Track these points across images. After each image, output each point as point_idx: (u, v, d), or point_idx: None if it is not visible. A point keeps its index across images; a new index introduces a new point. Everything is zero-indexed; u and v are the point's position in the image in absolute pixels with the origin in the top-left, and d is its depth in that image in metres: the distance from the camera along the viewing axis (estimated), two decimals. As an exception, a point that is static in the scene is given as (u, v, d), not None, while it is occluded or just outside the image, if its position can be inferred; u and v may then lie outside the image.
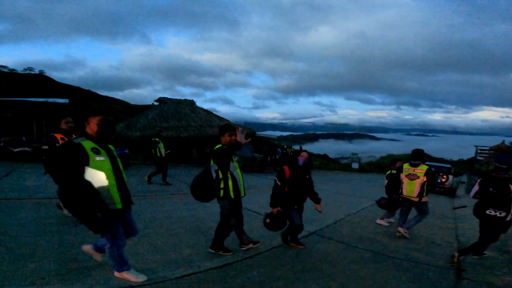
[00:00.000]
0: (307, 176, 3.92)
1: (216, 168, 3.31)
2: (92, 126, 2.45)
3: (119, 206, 2.43)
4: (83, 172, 2.26)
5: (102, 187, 2.34)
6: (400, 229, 4.94)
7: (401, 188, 4.90)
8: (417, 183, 4.68)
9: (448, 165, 14.85)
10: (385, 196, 5.91)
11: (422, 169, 4.70)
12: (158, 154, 8.11)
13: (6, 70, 30.78)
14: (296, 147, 21.59)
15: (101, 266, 2.84)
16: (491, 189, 3.57)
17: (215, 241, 3.53)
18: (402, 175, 4.87)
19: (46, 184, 6.31)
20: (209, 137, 14.87)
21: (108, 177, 2.36)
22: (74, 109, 16.28)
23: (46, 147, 4.11)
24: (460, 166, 18.58)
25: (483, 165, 18.76)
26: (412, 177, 4.75)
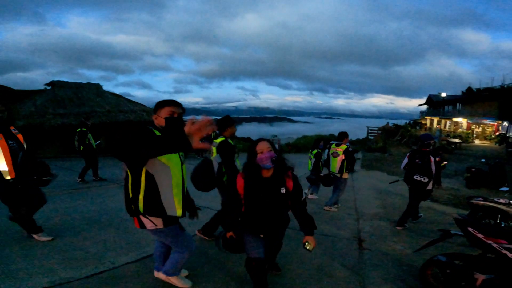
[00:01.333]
0: (282, 189, 2.21)
1: (220, 160, 3.22)
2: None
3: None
4: None
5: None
6: (326, 207, 5.59)
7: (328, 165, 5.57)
8: (338, 160, 5.35)
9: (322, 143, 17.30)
10: (313, 173, 6.50)
11: (342, 148, 5.38)
12: (83, 147, 6.65)
13: None
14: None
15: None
16: (417, 160, 4.42)
17: (209, 227, 3.54)
18: (329, 153, 5.53)
19: None
20: (120, 123, 13.29)
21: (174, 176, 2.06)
22: None
23: None
24: (357, 145, 22.02)
25: (373, 143, 22.52)
26: (335, 155, 5.43)
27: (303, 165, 7.98)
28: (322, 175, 5.98)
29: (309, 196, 6.52)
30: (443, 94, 34.54)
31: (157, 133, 1.81)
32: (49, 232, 3.36)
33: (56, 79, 14.00)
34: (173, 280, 2.44)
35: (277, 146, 27.47)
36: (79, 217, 4.14)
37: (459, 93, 33.32)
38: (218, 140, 3.30)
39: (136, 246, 3.24)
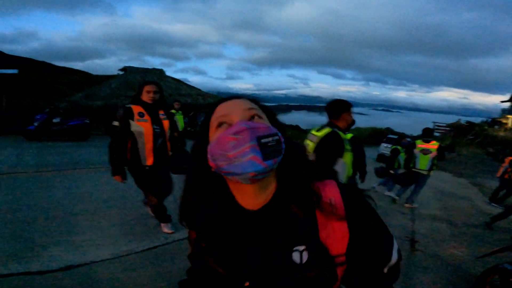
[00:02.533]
0: (302, 251, 0.56)
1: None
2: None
3: None
4: None
5: None
6: (406, 205, 5.35)
7: (414, 163, 5.28)
8: (430, 157, 5.14)
9: (409, 139, 15.86)
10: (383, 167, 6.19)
11: (434, 145, 5.17)
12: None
13: None
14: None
15: (58, 244, 2.71)
16: None
17: None
18: (416, 150, 5.27)
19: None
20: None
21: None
22: (24, 78, 14.64)
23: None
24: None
25: (439, 140, 20.13)
26: (425, 152, 5.19)
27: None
28: (400, 172, 5.79)
29: (387, 193, 5.99)
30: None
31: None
32: (121, 205, 3.84)
33: (126, 65, 15.66)
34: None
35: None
36: (139, 192, 4.63)
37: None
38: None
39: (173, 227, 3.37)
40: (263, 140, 0.51)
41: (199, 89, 17.27)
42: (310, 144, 2.38)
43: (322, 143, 2.24)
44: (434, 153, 5.13)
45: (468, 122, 26.16)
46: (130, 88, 14.25)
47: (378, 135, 18.32)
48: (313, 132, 2.41)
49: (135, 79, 14.96)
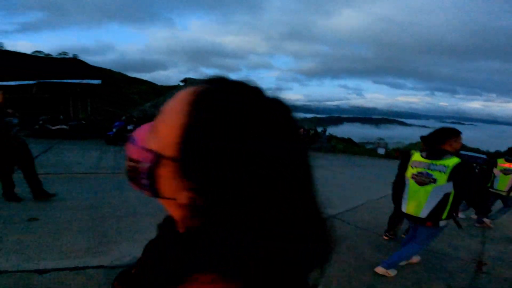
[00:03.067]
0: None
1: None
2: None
3: None
4: None
5: None
6: (486, 220, 4.94)
7: (492, 182, 4.90)
8: (511, 178, 4.75)
9: (484, 156, 13.87)
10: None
11: None
12: None
13: (41, 55, 32.81)
14: (320, 129, 21.19)
15: (127, 241, 3.03)
16: None
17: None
18: (496, 170, 4.89)
19: (80, 160, 6.79)
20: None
21: None
22: (106, 89, 17.02)
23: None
24: (496, 158, 17.24)
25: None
26: (507, 172, 4.81)
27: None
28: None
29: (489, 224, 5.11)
30: None
31: None
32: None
33: (185, 76, 17.20)
34: (390, 272, 2.79)
35: (382, 150, 24.83)
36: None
37: None
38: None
39: None
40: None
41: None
42: (438, 174, 2.41)
43: (456, 171, 2.34)
44: None
45: None
46: (190, 99, 15.57)
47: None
48: (443, 162, 2.42)
49: (194, 91, 16.34)
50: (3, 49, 31.31)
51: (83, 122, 11.35)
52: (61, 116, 11.40)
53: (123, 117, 10.61)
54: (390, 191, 3.18)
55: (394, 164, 2.11)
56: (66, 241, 2.85)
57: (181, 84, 17.21)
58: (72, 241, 2.87)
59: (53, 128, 10.53)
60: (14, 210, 3.47)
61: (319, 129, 19.91)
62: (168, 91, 16.78)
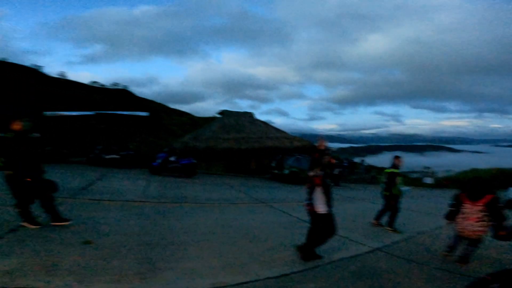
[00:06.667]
0: None
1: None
2: None
3: None
4: None
5: None
6: None
7: None
8: None
9: None
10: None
11: None
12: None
13: (98, 86, 37.69)
14: (358, 160, 20.39)
15: (171, 269, 3.15)
16: None
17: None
18: None
19: (130, 188, 7.36)
20: (267, 149, 15.21)
21: None
22: (152, 120, 18.54)
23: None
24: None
25: None
26: None
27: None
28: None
29: None
30: None
31: None
32: (216, 239, 4.29)
33: (220, 107, 18.24)
34: None
35: (429, 179, 22.80)
36: (236, 228, 5.04)
37: None
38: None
39: (266, 265, 3.55)
40: None
41: (285, 132, 18.06)
42: None
43: None
44: None
45: None
46: (226, 131, 16.19)
47: (505, 177, 15.47)
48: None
49: (230, 122, 16.95)
50: (67, 78, 36.25)
51: (132, 152, 12.40)
52: (113, 146, 12.59)
53: (166, 149, 11.42)
54: (439, 223, 3.00)
55: (445, 193, 2.02)
56: (117, 265, 3.04)
57: (218, 115, 18.09)
58: (122, 266, 3.05)
59: (107, 157, 11.64)
60: (70, 233, 3.79)
61: (357, 160, 19.19)
62: (206, 122, 17.75)
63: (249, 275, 3.22)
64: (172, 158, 10.86)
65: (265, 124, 18.29)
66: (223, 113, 17.60)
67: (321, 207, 3.56)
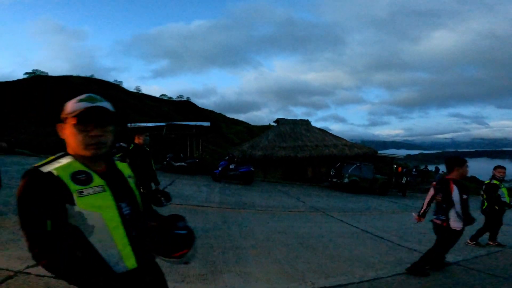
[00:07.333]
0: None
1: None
2: None
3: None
4: None
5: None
6: None
7: None
8: None
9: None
10: None
11: None
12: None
13: (166, 98, 43.52)
14: (431, 168, 18.25)
15: (230, 272, 3.32)
16: None
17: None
18: None
19: (195, 193, 8.07)
20: (325, 157, 14.83)
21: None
22: (213, 130, 19.94)
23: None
24: None
25: None
26: None
27: None
28: None
29: None
30: None
31: None
32: (273, 246, 4.43)
33: (275, 116, 18.55)
34: None
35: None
36: (293, 235, 5.10)
37: None
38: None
39: (322, 274, 3.48)
40: None
41: (344, 139, 17.34)
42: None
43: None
44: None
45: None
46: (283, 139, 16.34)
47: None
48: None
49: (286, 131, 17.06)
50: (141, 92, 42.42)
51: (197, 160, 13.53)
52: (181, 155, 13.91)
53: (226, 157, 12.16)
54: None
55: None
56: (182, 266, 3.17)
57: (274, 124, 18.38)
58: (187, 267, 3.19)
59: (176, 164, 12.92)
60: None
61: (430, 168, 17.17)
62: (261, 131, 18.25)
63: (305, 284, 3.24)
64: (231, 166, 11.51)
65: (322, 131, 17.89)
66: (278, 121, 17.84)
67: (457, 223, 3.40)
